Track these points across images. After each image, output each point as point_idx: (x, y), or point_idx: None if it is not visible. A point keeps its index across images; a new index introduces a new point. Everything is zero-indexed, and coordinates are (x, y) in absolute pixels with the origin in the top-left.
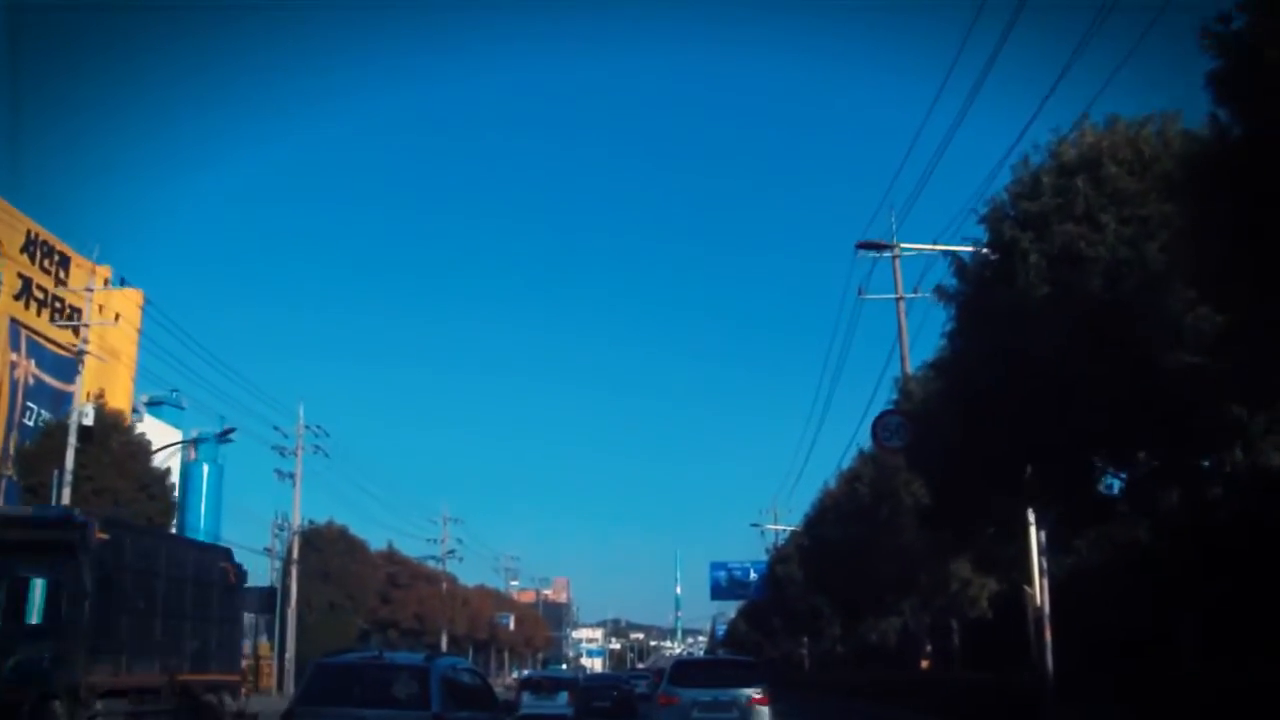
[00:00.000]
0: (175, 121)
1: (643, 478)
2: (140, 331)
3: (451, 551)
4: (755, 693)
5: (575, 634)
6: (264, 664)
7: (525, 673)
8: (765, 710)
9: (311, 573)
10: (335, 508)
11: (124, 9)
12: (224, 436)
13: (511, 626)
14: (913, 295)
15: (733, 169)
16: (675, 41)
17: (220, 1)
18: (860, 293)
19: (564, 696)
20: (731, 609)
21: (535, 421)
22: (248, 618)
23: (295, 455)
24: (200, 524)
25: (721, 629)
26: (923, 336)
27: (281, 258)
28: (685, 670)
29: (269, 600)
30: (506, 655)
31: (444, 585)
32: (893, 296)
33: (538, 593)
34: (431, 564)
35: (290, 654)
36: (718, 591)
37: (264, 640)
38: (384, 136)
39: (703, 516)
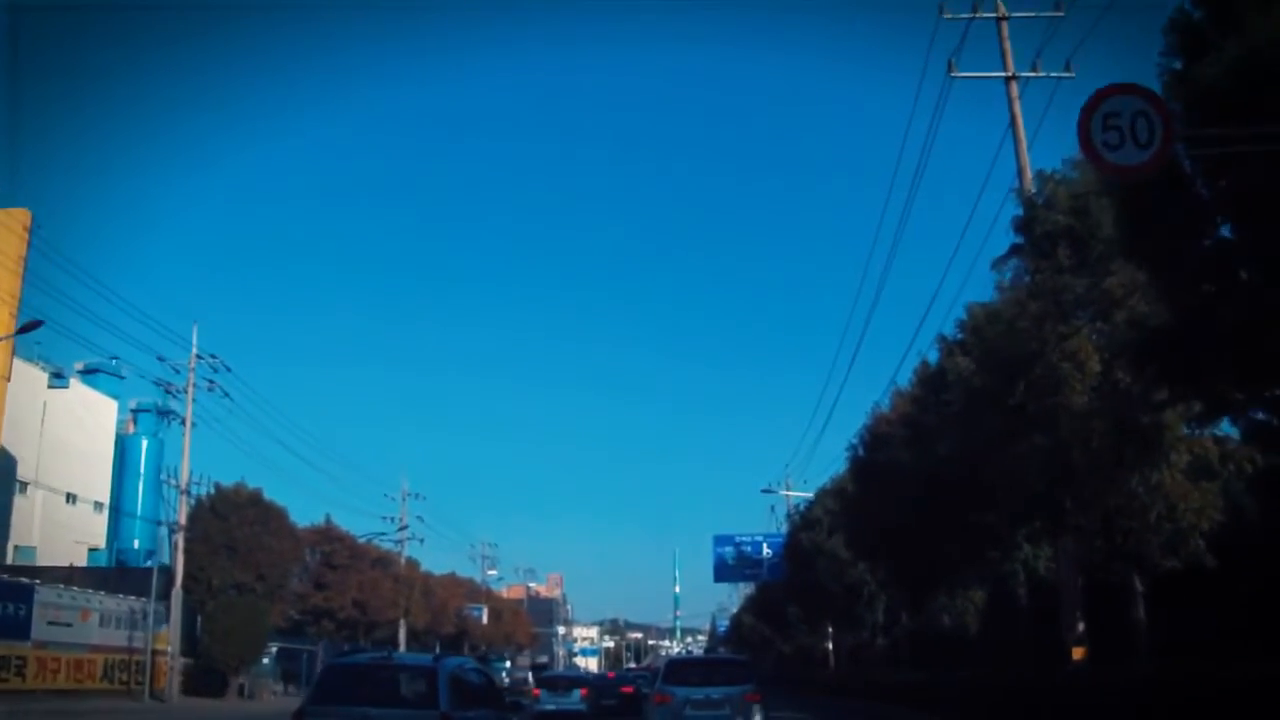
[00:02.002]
0: (174, 121)
1: (642, 477)
2: (24, 261)
3: (404, 527)
4: (748, 691)
5: (571, 632)
6: (161, 660)
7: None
8: (757, 707)
9: (213, 546)
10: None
11: (123, 9)
12: (26, 329)
13: (485, 620)
14: (1029, 74)
15: (730, 169)
16: (675, 42)
17: (219, 1)
18: (950, 69)
19: (578, 694)
20: (735, 602)
21: (536, 422)
22: (138, 604)
23: (186, 394)
24: (138, 500)
25: (723, 625)
26: (1041, 141)
27: (279, 258)
28: (679, 669)
29: (162, 582)
30: (485, 653)
31: (401, 568)
32: (1001, 74)
33: (527, 588)
34: (392, 548)
35: (175, 647)
36: (722, 572)
37: (165, 630)
38: (383, 137)
39: (703, 516)
